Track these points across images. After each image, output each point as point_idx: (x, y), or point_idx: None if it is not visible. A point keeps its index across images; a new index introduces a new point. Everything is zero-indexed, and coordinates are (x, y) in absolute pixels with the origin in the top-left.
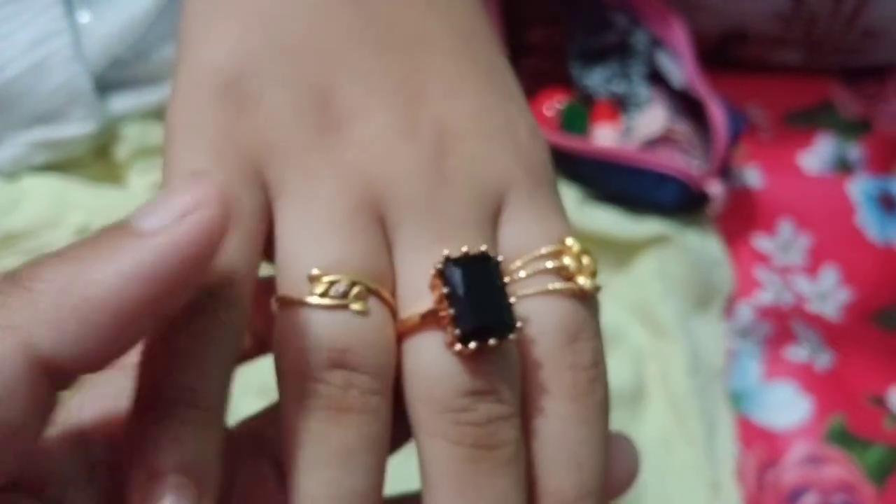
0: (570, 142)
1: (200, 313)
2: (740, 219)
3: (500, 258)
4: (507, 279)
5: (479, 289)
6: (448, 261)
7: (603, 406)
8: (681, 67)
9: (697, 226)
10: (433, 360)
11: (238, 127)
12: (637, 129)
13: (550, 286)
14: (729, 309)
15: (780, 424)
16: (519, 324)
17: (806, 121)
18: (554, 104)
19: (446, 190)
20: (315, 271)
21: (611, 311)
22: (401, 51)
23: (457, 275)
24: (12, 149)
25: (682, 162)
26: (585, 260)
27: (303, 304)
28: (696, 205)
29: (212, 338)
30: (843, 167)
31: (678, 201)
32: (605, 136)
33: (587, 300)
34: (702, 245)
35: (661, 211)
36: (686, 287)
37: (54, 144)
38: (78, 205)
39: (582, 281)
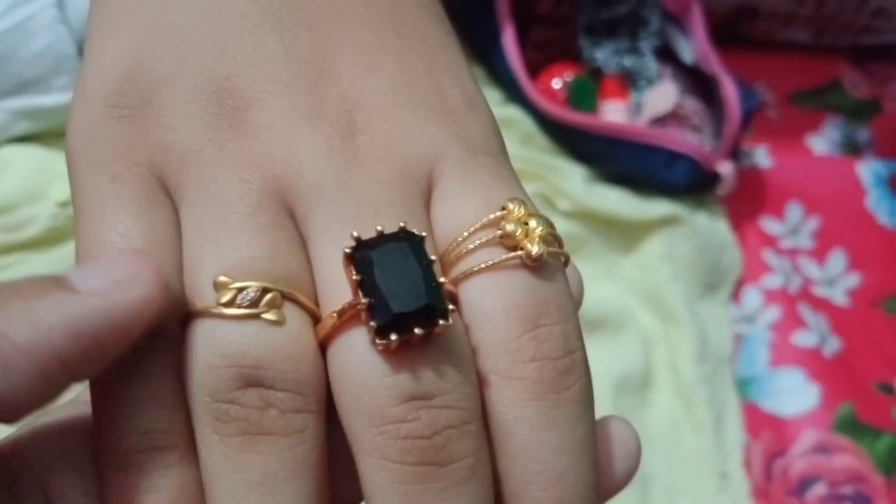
0: (578, 118)
1: (144, 352)
2: (749, 200)
3: (423, 234)
4: (442, 260)
5: (396, 271)
6: (360, 244)
7: (581, 403)
8: (692, 42)
9: (706, 207)
10: (357, 363)
11: (132, 136)
12: (647, 105)
13: (495, 259)
14: (736, 293)
15: (788, 412)
16: (451, 307)
17: (814, 101)
18: (562, 78)
19: (360, 169)
20: (221, 278)
21: (618, 294)
22: (306, 28)
23: (368, 258)
24: None
25: (693, 140)
26: (533, 222)
27: (208, 315)
28: (707, 185)
29: (160, 374)
30: (852, 149)
31: (689, 181)
32: (614, 112)
33: (544, 273)
34: (711, 227)
35: (671, 191)
36: (694, 270)
37: (36, 113)
38: (61, 177)
39: (529, 247)
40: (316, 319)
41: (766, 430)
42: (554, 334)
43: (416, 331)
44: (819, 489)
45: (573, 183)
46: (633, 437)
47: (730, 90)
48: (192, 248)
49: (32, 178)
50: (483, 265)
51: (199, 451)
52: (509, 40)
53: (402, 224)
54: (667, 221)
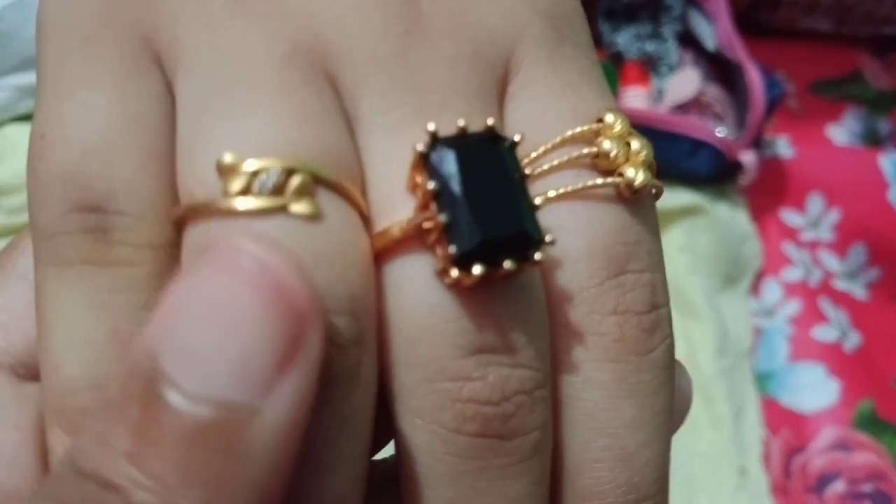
0: None
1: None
2: (769, 191)
3: (516, 138)
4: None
5: (484, 183)
6: (435, 140)
7: (665, 369)
8: (715, 28)
9: (727, 197)
10: (417, 297)
11: None
12: (668, 91)
13: (585, 182)
14: (756, 286)
15: (807, 408)
16: (549, 237)
17: (835, 91)
18: None
19: (423, 41)
20: (227, 157)
21: None
22: None
23: (450, 161)
24: None
25: (715, 128)
26: (636, 143)
27: (213, 211)
28: (729, 175)
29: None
30: (873, 140)
31: (711, 170)
32: (635, 99)
33: (639, 205)
34: (731, 218)
35: (692, 180)
36: (714, 262)
37: None
38: None
39: (631, 174)
40: (365, 220)
41: (786, 425)
42: (641, 283)
43: (506, 264)
44: (838, 486)
45: None
46: (686, 379)
47: (754, 78)
48: (189, 118)
49: None
50: (569, 188)
51: None
52: None
53: (490, 122)
54: (687, 212)
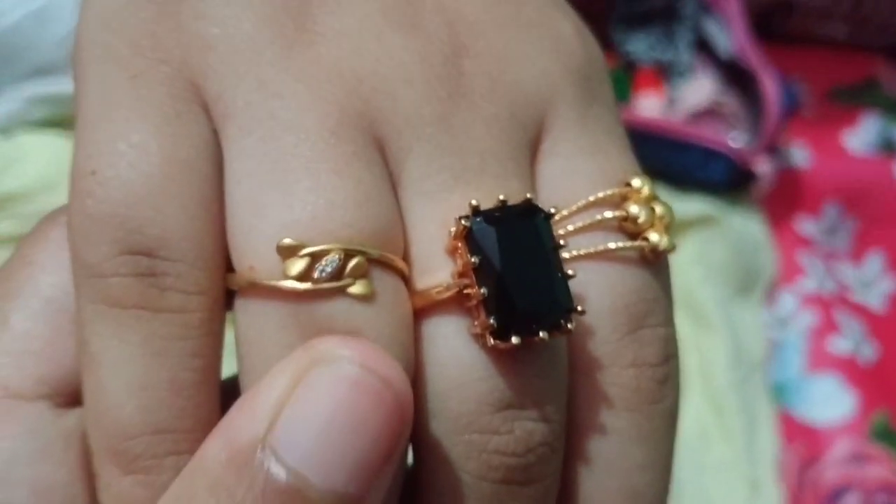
0: None
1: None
2: (784, 200)
3: (552, 211)
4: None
5: (521, 257)
6: (476, 214)
7: (672, 417)
8: (730, 36)
9: (741, 207)
10: (455, 358)
11: (161, 27)
12: (682, 99)
13: (612, 245)
14: (770, 296)
15: (822, 420)
16: (579, 307)
17: (850, 98)
18: None
19: (467, 102)
20: (287, 241)
21: None
22: None
23: (490, 237)
24: (10, 103)
25: (730, 136)
26: (659, 209)
27: (272, 290)
28: (743, 183)
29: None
30: (889, 148)
31: (725, 179)
32: (649, 107)
33: (659, 267)
34: (745, 227)
35: (706, 189)
36: (728, 272)
37: (54, 99)
38: None
39: (655, 238)
40: (407, 282)
41: (800, 437)
42: (657, 337)
43: (542, 334)
44: (851, 499)
45: None
46: None
47: (769, 87)
48: (245, 190)
49: (49, 169)
50: (599, 248)
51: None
52: None
53: (528, 196)
54: (701, 221)
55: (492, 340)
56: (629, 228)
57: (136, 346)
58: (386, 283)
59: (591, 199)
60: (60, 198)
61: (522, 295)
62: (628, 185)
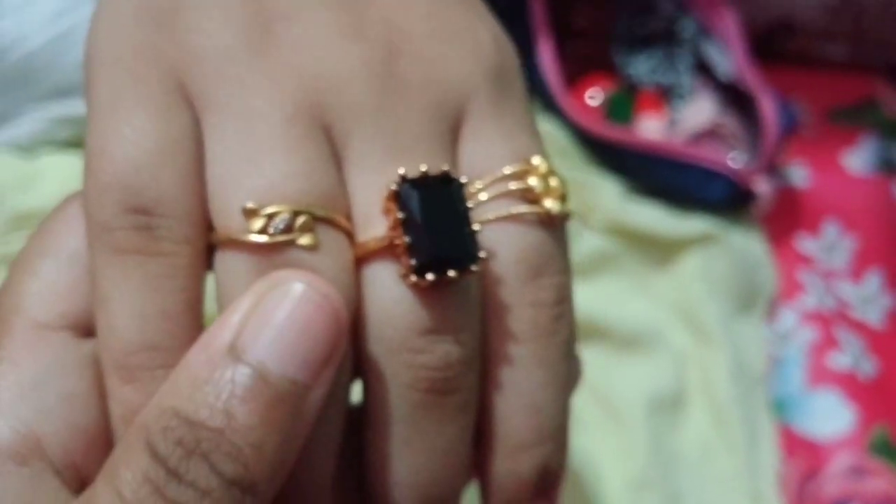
0: (615, 133)
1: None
2: (784, 219)
3: (463, 180)
4: (469, 203)
5: (438, 214)
6: (404, 181)
7: (566, 346)
8: (729, 58)
9: (741, 225)
10: (387, 294)
11: (158, 38)
12: (683, 121)
13: (513, 210)
14: (771, 313)
15: (822, 434)
16: (482, 254)
17: (850, 118)
18: (598, 91)
19: (400, 95)
20: (250, 204)
21: (652, 312)
22: None
23: (414, 198)
24: (32, 123)
25: (730, 156)
26: (553, 181)
27: (240, 244)
28: (743, 202)
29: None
30: (888, 168)
31: (725, 198)
32: (650, 128)
33: (555, 228)
34: (746, 245)
35: (706, 208)
36: (729, 288)
37: (75, 120)
38: None
39: (549, 204)
40: (349, 236)
41: (800, 451)
42: (552, 286)
43: (451, 273)
44: None
45: (607, 198)
46: (579, 362)
47: (767, 109)
48: (219, 164)
49: (69, 186)
50: (504, 213)
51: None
52: (546, 53)
53: (445, 168)
54: (702, 239)
55: (413, 278)
56: (529, 197)
57: (136, 283)
58: (330, 236)
59: (499, 173)
60: None
61: (438, 243)
62: (529, 162)
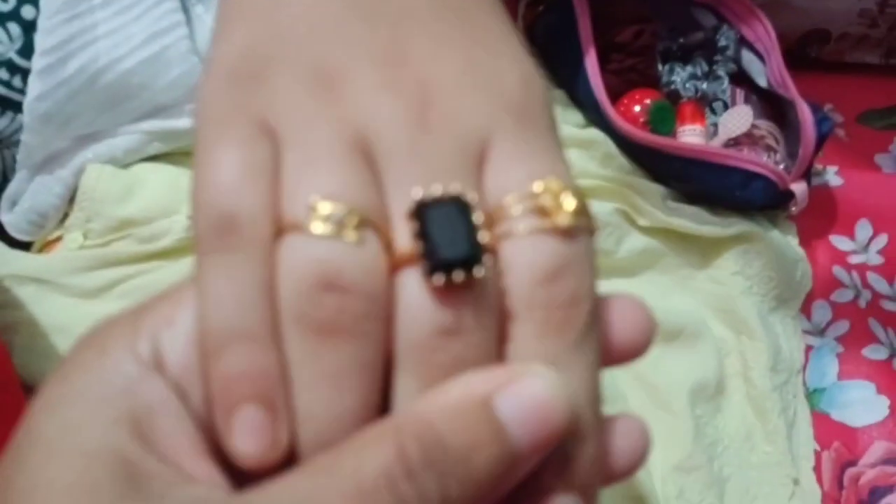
0: (657, 140)
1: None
2: (819, 218)
3: (475, 198)
4: (491, 218)
5: (447, 226)
6: (422, 203)
7: (578, 347)
8: (767, 67)
9: (778, 225)
10: (409, 295)
11: (249, 101)
12: (723, 126)
13: (521, 226)
14: (807, 306)
15: (857, 424)
16: (486, 258)
17: (882, 120)
18: (644, 102)
19: (429, 138)
20: (314, 199)
21: (694, 306)
22: (387, 24)
23: (428, 213)
24: (126, 139)
25: (767, 160)
26: (566, 197)
27: (301, 230)
28: (780, 203)
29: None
30: None
31: (764, 200)
32: (691, 135)
33: (571, 239)
34: (783, 243)
35: (745, 209)
36: (768, 284)
37: (168, 135)
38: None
39: (559, 219)
40: (388, 246)
41: (837, 439)
42: (567, 289)
43: (455, 275)
44: (892, 499)
45: (652, 201)
46: (640, 437)
47: (806, 115)
48: (291, 175)
49: (166, 195)
50: (520, 229)
51: (282, 345)
52: (592, 65)
53: (457, 190)
54: (742, 238)
55: (431, 279)
56: (543, 214)
57: (222, 272)
58: (371, 238)
59: (518, 194)
60: (175, 220)
61: (444, 249)
62: (545, 183)
